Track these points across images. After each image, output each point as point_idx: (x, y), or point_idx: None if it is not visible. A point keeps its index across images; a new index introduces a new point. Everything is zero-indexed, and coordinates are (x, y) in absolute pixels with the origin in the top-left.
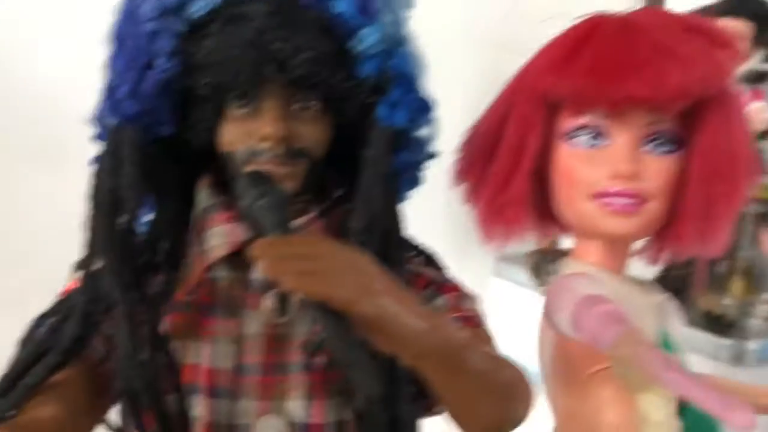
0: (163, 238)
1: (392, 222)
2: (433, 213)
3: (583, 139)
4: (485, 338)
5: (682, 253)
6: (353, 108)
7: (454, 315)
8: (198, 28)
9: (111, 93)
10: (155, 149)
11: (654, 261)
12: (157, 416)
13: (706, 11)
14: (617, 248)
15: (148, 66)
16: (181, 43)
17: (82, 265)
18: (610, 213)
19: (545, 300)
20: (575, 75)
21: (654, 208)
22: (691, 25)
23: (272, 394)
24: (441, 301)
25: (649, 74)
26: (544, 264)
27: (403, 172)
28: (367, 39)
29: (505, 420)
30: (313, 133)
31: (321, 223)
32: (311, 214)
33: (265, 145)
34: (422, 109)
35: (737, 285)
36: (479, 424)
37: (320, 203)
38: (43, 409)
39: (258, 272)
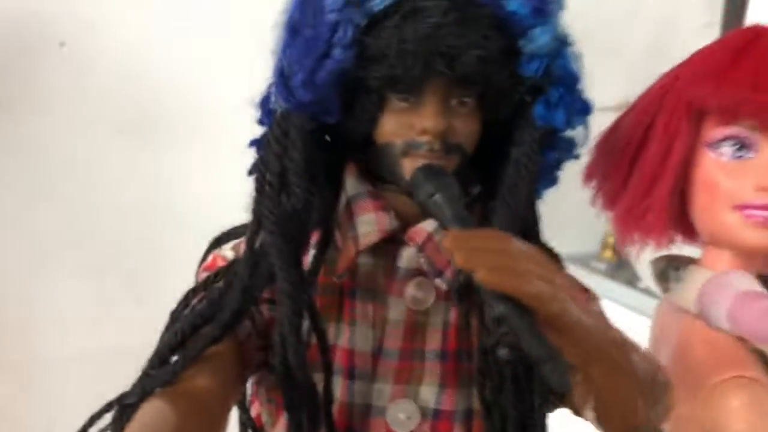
0: (319, 222)
1: (532, 221)
2: None
3: (728, 149)
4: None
5: None
6: (508, 106)
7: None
8: (376, 20)
9: (284, 80)
10: (320, 136)
11: None
12: (305, 393)
13: None
14: (751, 260)
15: (325, 56)
16: (358, 34)
17: (248, 242)
18: (752, 225)
19: (698, 297)
20: (735, 86)
21: None
22: None
23: (407, 379)
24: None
25: None
26: (669, 271)
27: (547, 172)
28: (539, 38)
29: (649, 421)
30: (467, 129)
31: None
32: None
33: (424, 138)
34: (580, 110)
35: None
36: (623, 425)
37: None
38: (198, 380)
39: (404, 261)
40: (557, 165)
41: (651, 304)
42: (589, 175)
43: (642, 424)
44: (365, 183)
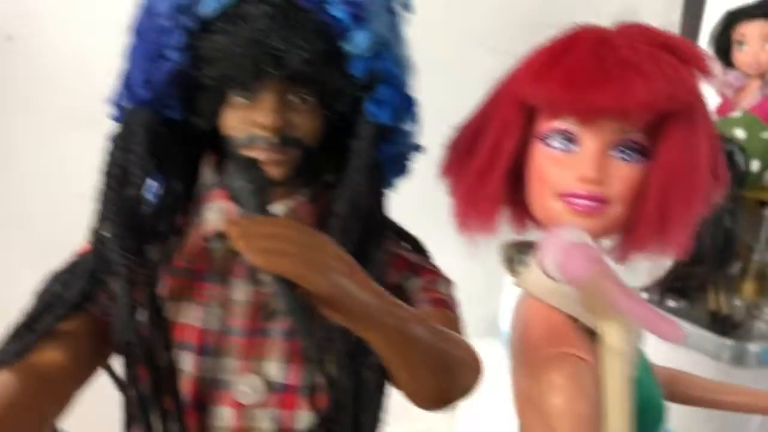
0: (168, 209)
1: (374, 207)
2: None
3: (557, 142)
4: (450, 319)
5: (645, 253)
6: (345, 103)
7: (425, 295)
8: (207, 25)
9: (127, 80)
10: (166, 130)
11: (621, 260)
12: (149, 369)
13: (737, 14)
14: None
15: (161, 57)
16: (191, 38)
17: (92, 230)
18: (573, 212)
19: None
20: (550, 85)
21: (615, 212)
22: (663, 42)
23: (253, 355)
24: (415, 281)
25: (614, 88)
26: (516, 256)
27: (388, 163)
28: (358, 42)
29: (448, 393)
30: (306, 124)
31: (310, 206)
32: (300, 198)
33: (262, 133)
34: (405, 107)
35: (748, 287)
36: (424, 395)
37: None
38: (48, 354)
39: None
40: (400, 157)
41: None
42: (442, 169)
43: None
44: (221, 173)
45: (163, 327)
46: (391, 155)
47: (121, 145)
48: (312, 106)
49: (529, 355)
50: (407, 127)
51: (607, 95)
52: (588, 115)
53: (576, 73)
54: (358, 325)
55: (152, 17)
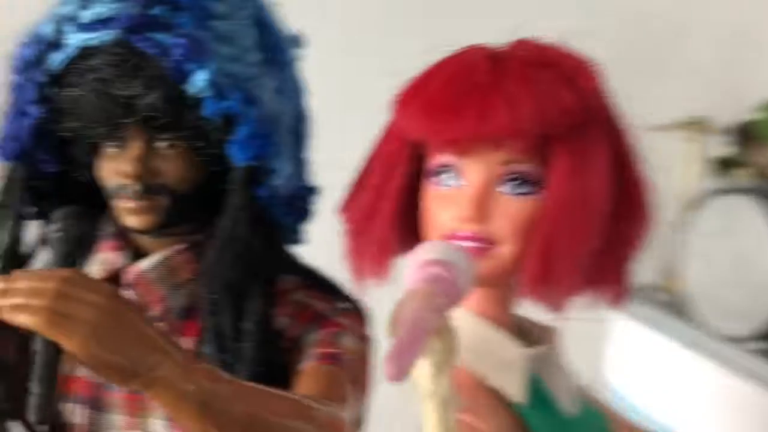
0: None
1: (257, 254)
2: None
3: (444, 178)
4: (332, 376)
5: (541, 300)
6: (213, 146)
7: (316, 350)
8: (58, 78)
9: (2, 135)
10: (50, 183)
11: (552, 310)
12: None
13: None
14: (488, 293)
15: (22, 113)
16: (45, 92)
17: None
18: None
19: None
20: (412, 114)
21: (506, 252)
22: (547, 60)
23: (137, 411)
24: (314, 335)
25: (471, 113)
26: None
27: (279, 206)
28: (196, 82)
29: None
30: (174, 171)
31: (189, 254)
32: (178, 247)
33: (126, 181)
34: (268, 146)
35: None
36: None
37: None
38: None
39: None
40: (293, 199)
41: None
42: (341, 210)
43: None
44: (114, 224)
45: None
46: (280, 198)
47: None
48: (180, 152)
49: None
50: (284, 167)
51: (465, 122)
52: (451, 146)
53: (434, 100)
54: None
55: (12, 74)
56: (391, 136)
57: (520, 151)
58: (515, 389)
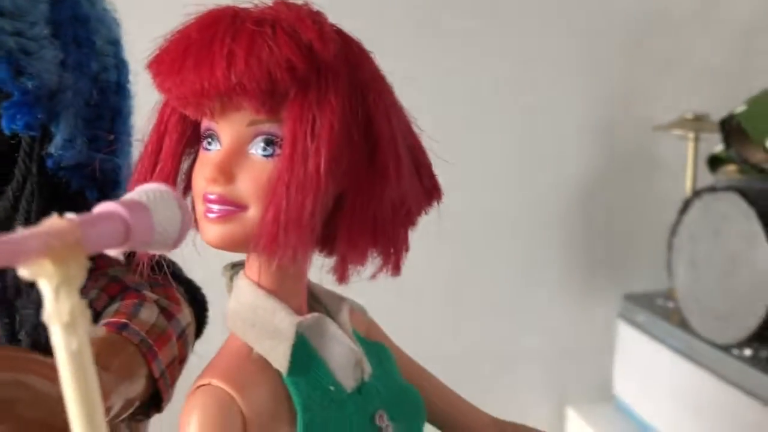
0: None
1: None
2: (551, 246)
3: (208, 143)
4: (110, 343)
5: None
6: None
7: (108, 318)
8: None
9: None
10: None
11: (339, 280)
12: None
13: None
14: (257, 260)
15: None
16: None
17: None
18: (208, 221)
19: None
20: (151, 74)
21: (253, 216)
22: (275, 16)
23: None
24: (115, 306)
25: (188, 69)
26: (233, 275)
27: (66, 177)
28: None
29: None
30: None
31: None
32: None
33: None
34: (33, 117)
35: None
36: None
37: None
38: None
39: None
40: (83, 171)
41: (703, 349)
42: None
43: None
44: None
45: None
46: (71, 168)
47: None
48: None
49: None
50: (69, 138)
51: (185, 78)
52: (181, 104)
53: (163, 60)
54: None
55: None
56: (163, 103)
57: (255, 110)
58: (279, 356)
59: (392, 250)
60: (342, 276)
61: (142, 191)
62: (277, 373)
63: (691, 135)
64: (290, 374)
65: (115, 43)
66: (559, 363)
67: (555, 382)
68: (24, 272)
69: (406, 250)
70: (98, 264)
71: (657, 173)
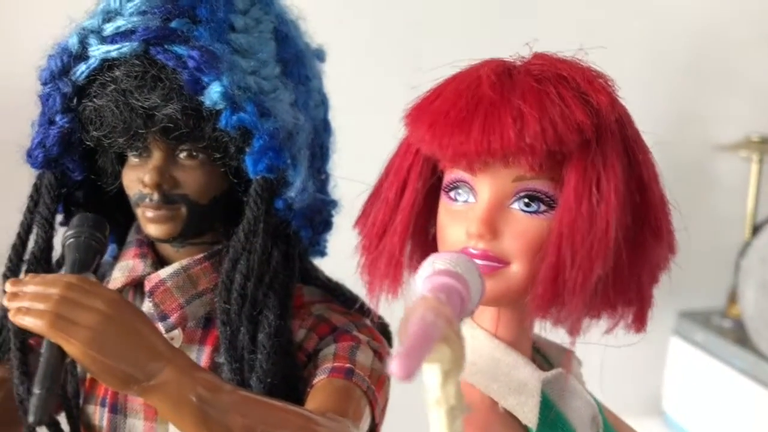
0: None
1: (270, 266)
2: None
3: (457, 194)
4: (342, 390)
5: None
6: (231, 158)
7: (330, 364)
8: (82, 90)
9: (30, 143)
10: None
11: (571, 332)
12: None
13: None
14: (501, 313)
15: (50, 122)
16: (70, 102)
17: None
18: None
19: None
20: (420, 128)
21: (516, 272)
22: (556, 74)
23: (156, 416)
24: (330, 348)
25: (476, 128)
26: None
27: (298, 219)
28: (211, 95)
29: None
30: (193, 181)
31: (207, 264)
32: (198, 256)
33: (146, 191)
34: (280, 160)
35: None
36: None
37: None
38: None
39: (144, 305)
40: (311, 211)
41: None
42: (356, 223)
43: None
44: (139, 232)
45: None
46: (297, 210)
47: (30, 206)
48: (200, 163)
49: None
50: (300, 180)
51: (470, 138)
52: (458, 161)
53: (441, 115)
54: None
55: (41, 86)
56: (405, 150)
57: (531, 168)
58: (528, 413)
59: (641, 306)
60: (576, 329)
61: (451, 261)
62: (524, 427)
63: (755, 157)
64: (538, 429)
65: (320, 78)
66: (610, 376)
67: (605, 395)
68: (426, 357)
69: (651, 306)
70: (298, 301)
71: (715, 192)
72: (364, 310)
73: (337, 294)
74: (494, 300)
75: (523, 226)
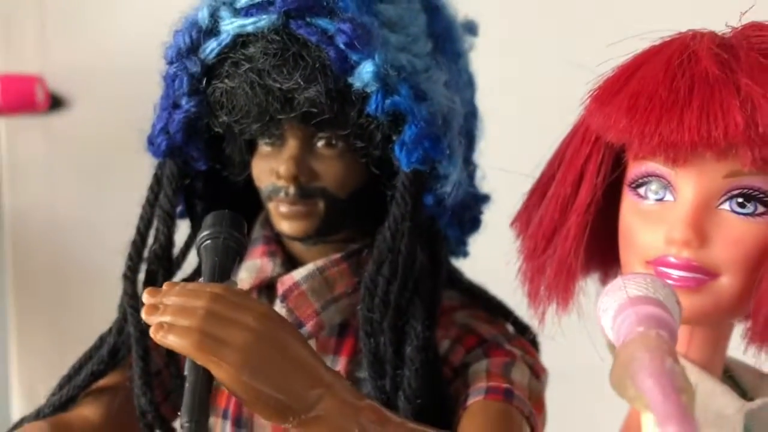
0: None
1: (417, 269)
2: None
3: (649, 190)
4: (503, 414)
5: None
6: (378, 147)
7: (484, 383)
8: (212, 69)
9: (150, 130)
10: (203, 183)
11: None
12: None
13: None
14: (695, 332)
15: (175, 106)
16: (198, 84)
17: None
18: None
19: None
20: (614, 114)
21: (726, 286)
22: None
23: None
24: (481, 364)
25: (694, 114)
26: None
27: (444, 215)
28: (362, 75)
29: None
30: (332, 172)
31: (345, 265)
32: (334, 256)
33: (280, 183)
34: (439, 149)
35: None
36: None
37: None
38: (83, 409)
39: (279, 306)
40: (461, 207)
41: None
42: (514, 221)
43: None
44: (266, 227)
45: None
46: (448, 207)
47: (150, 198)
48: (341, 152)
49: None
50: (454, 172)
51: (684, 125)
52: (663, 152)
53: (643, 97)
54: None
55: (166, 65)
56: (581, 138)
57: (753, 162)
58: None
59: None
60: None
61: (647, 286)
62: None
63: None
64: None
65: (467, 55)
66: None
67: None
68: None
69: None
70: (441, 307)
71: None
72: (510, 319)
73: (480, 299)
74: (696, 319)
75: (738, 231)
